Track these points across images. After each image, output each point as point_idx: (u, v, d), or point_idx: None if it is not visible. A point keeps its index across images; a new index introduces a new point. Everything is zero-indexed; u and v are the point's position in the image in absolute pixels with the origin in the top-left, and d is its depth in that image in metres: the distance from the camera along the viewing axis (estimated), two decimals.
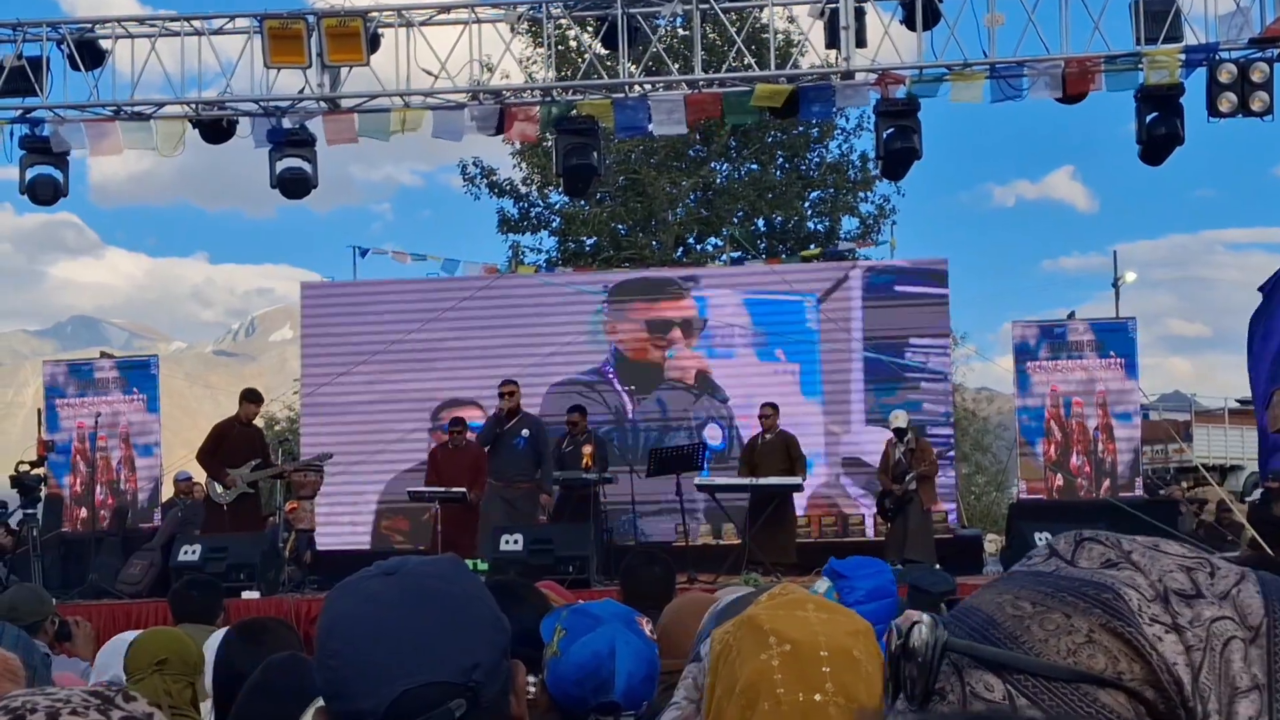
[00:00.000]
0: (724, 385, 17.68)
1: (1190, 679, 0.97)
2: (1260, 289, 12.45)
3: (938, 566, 12.48)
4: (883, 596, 3.66)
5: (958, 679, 1.02)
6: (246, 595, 12.09)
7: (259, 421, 15.29)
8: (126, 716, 1.35)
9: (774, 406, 14.97)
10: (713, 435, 17.54)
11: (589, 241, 30.60)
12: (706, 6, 13.94)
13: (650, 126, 14.23)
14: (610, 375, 17.83)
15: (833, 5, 13.55)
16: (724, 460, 16.96)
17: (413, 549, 16.10)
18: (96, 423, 16.67)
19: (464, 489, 13.97)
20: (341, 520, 17.67)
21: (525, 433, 14.04)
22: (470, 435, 14.76)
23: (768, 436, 14.81)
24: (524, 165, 30.50)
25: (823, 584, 3.70)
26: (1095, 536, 1.06)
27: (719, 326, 17.70)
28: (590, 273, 22.07)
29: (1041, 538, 12.54)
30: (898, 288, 17.42)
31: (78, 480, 17.11)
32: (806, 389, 17.45)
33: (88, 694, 1.36)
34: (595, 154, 14.07)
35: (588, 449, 14.65)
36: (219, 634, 4.72)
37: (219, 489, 14.06)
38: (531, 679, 2.79)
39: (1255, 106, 12.97)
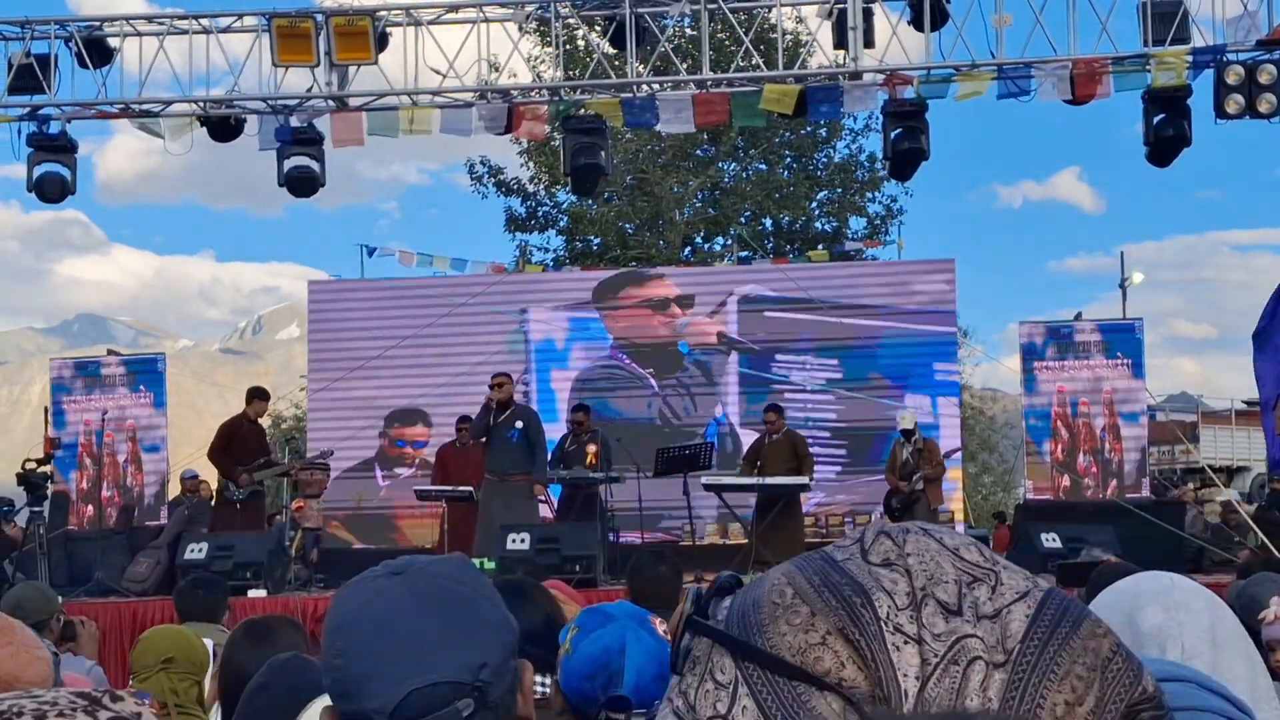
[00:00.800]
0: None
1: (916, 691, 0.95)
2: None
3: None
4: None
5: (711, 654, 1.02)
6: (253, 594, 12.08)
7: (264, 419, 15.33)
8: (114, 717, 1.35)
9: (777, 410, 14.97)
10: (717, 410, 17.75)
11: (596, 241, 30.63)
12: (715, 6, 13.93)
13: (658, 125, 14.23)
14: (624, 360, 17.93)
15: (841, 6, 13.54)
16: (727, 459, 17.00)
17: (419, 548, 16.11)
18: (103, 420, 16.68)
19: (471, 488, 13.96)
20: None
21: (519, 424, 13.90)
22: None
23: (775, 437, 14.81)
24: (531, 164, 30.54)
25: None
26: (891, 531, 1.02)
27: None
28: (594, 271, 22.11)
29: (1049, 538, 12.55)
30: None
31: (84, 478, 17.12)
32: None
33: (74, 695, 1.36)
34: (603, 153, 14.06)
35: (592, 448, 14.64)
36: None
37: (233, 487, 14.09)
38: (543, 679, 2.79)
39: (1262, 108, 12.94)
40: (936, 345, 18.01)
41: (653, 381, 17.85)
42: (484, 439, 14.02)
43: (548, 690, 2.80)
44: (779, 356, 17.84)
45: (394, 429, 18.06)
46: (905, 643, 0.96)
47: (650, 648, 2.70)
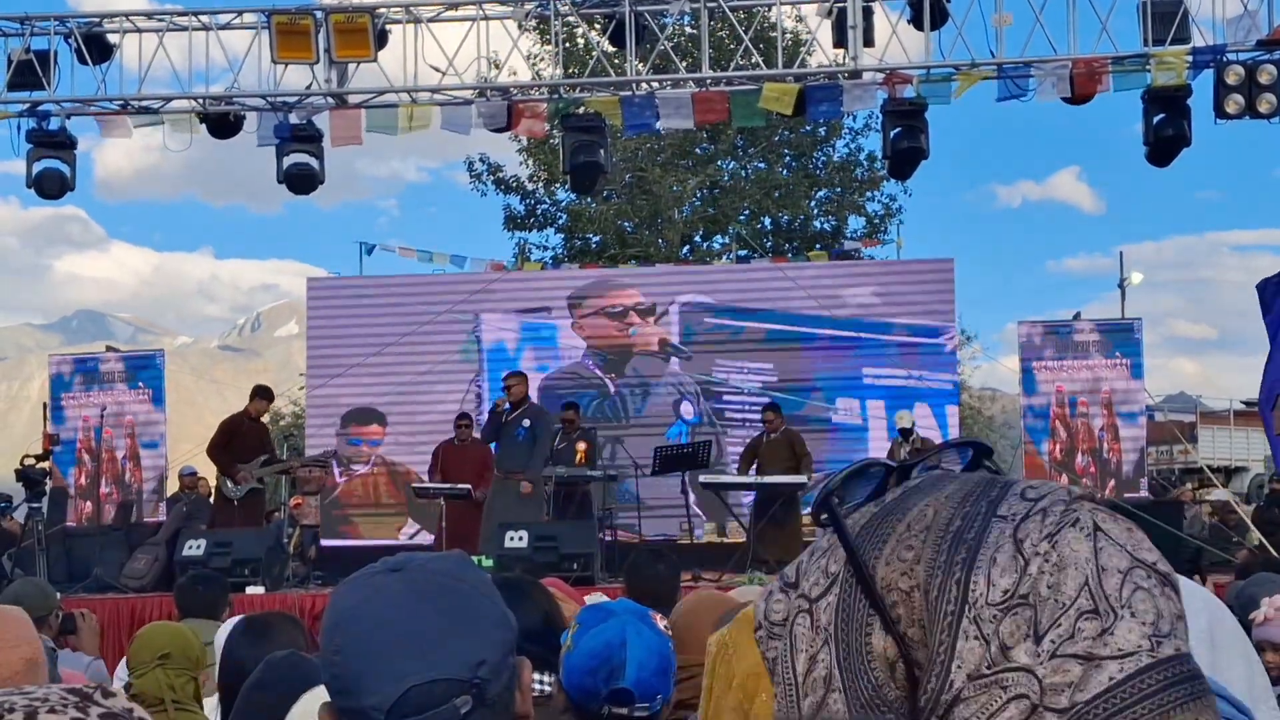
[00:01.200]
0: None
1: (959, 688, 0.96)
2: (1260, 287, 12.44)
3: None
4: None
5: (835, 542, 1.03)
6: (251, 590, 12.08)
7: (264, 416, 15.32)
8: (106, 713, 1.34)
9: (775, 409, 14.98)
10: (686, 411, 17.84)
11: (595, 239, 30.63)
12: (714, 5, 13.93)
13: (658, 124, 14.23)
14: (592, 367, 18.14)
15: (840, 4, 13.54)
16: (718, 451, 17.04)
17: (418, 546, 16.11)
18: (102, 417, 16.68)
19: (469, 485, 13.96)
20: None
21: (526, 423, 14.03)
22: (476, 433, 14.79)
23: (772, 436, 14.81)
24: (531, 162, 30.52)
25: None
26: (1066, 515, 0.97)
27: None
28: (596, 269, 22.15)
29: None
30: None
31: (83, 474, 17.12)
32: None
33: (66, 691, 1.35)
34: (602, 151, 14.05)
35: (581, 446, 14.67)
36: (229, 624, 4.72)
37: (230, 484, 14.07)
38: (541, 677, 2.79)
39: (1262, 108, 12.94)
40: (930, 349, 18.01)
41: (609, 383, 18.07)
42: (493, 441, 14.15)
43: (547, 688, 2.80)
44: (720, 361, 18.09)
45: (350, 428, 18.29)
46: (975, 638, 0.94)
47: (651, 642, 2.71)
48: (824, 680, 0.99)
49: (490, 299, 18.42)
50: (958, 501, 0.98)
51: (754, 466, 14.78)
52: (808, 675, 1.01)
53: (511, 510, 13.53)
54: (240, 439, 14.17)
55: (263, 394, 14.63)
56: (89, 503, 16.68)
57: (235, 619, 4.77)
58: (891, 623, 0.96)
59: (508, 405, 14.17)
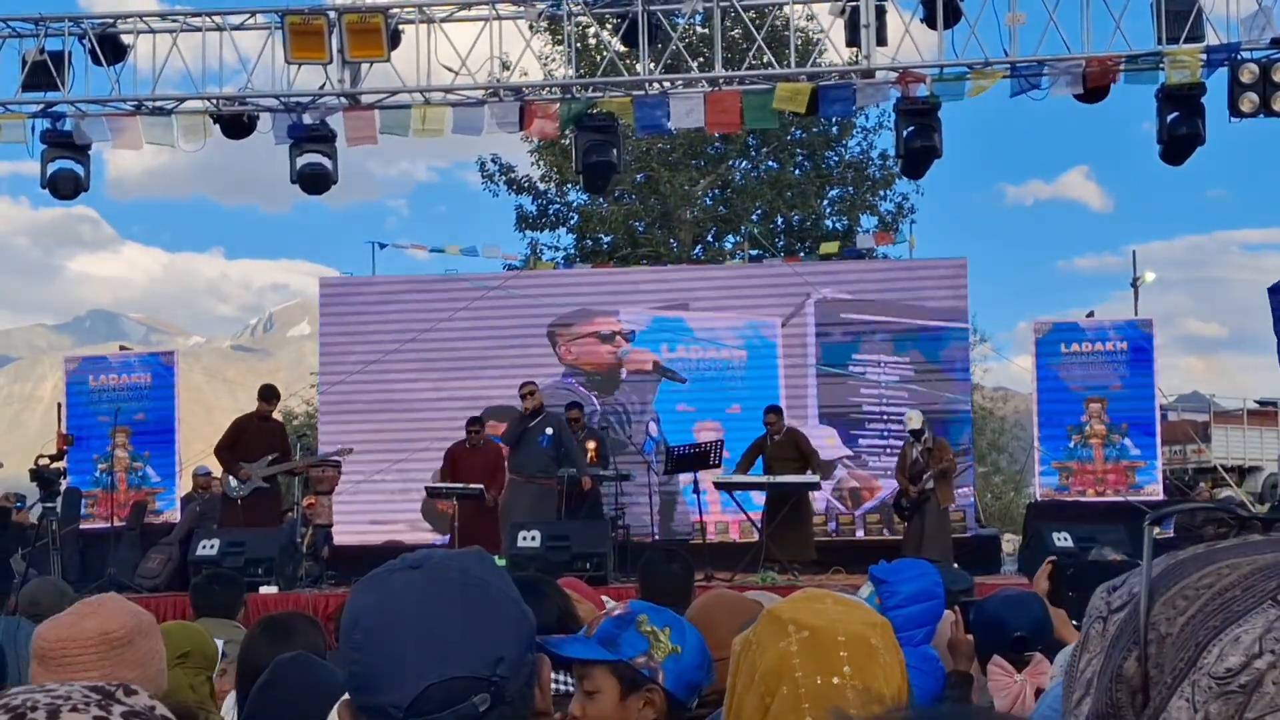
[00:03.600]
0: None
1: None
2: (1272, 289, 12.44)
3: (955, 566, 12.49)
4: (927, 599, 3.66)
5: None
6: (264, 590, 12.12)
7: (278, 416, 15.33)
8: (128, 710, 1.34)
9: (777, 411, 14.98)
10: (652, 429, 17.87)
11: (606, 239, 30.63)
12: (727, 4, 13.92)
13: (669, 124, 14.24)
14: (572, 383, 18.10)
15: (853, 4, 13.52)
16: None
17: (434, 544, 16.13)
18: (115, 417, 16.72)
19: (481, 486, 13.99)
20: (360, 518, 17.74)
21: (549, 430, 14.13)
22: (487, 435, 14.82)
23: (776, 438, 14.81)
24: (542, 162, 30.53)
25: (865, 589, 3.72)
26: None
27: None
28: (607, 269, 22.13)
29: (1060, 537, 12.53)
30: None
31: (96, 474, 17.16)
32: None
33: (88, 689, 1.35)
34: (615, 151, 14.05)
35: (591, 444, 14.73)
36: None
37: (233, 483, 14.09)
38: (558, 676, 2.79)
39: (1277, 106, 12.91)
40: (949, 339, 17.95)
41: (594, 400, 18.02)
42: (514, 444, 14.19)
43: (566, 687, 2.80)
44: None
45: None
46: (1187, 701, 0.97)
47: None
48: (1086, 683, 1.06)
49: (507, 300, 18.39)
50: (1250, 572, 1.02)
51: (754, 467, 14.78)
52: (1081, 673, 1.07)
53: (535, 511, 13.62)
54: (248, 438, 14.19)
55: (264, 395, 14.64)
56: (102, 503, 16.70)
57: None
58: (1145, 657, 1.01)
59: (526, 411, 14.24)
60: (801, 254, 26.22)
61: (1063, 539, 12.50)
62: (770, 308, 17.98)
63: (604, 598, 5.49)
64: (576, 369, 18.18)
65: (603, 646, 2.69)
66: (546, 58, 26.75)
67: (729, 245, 30.81)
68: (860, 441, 17.52)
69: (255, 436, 14.21)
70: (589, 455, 14.57)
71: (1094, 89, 13.25)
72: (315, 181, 14.21)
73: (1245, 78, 12.93)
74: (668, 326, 18.09)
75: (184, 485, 17.57)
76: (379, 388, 18.14)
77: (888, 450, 16.90)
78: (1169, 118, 13.31)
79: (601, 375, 18.21)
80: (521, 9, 14.30)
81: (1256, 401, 31.20)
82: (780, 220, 31.07)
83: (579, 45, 16.30)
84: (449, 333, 18.13)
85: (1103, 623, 1.07)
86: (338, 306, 18.79)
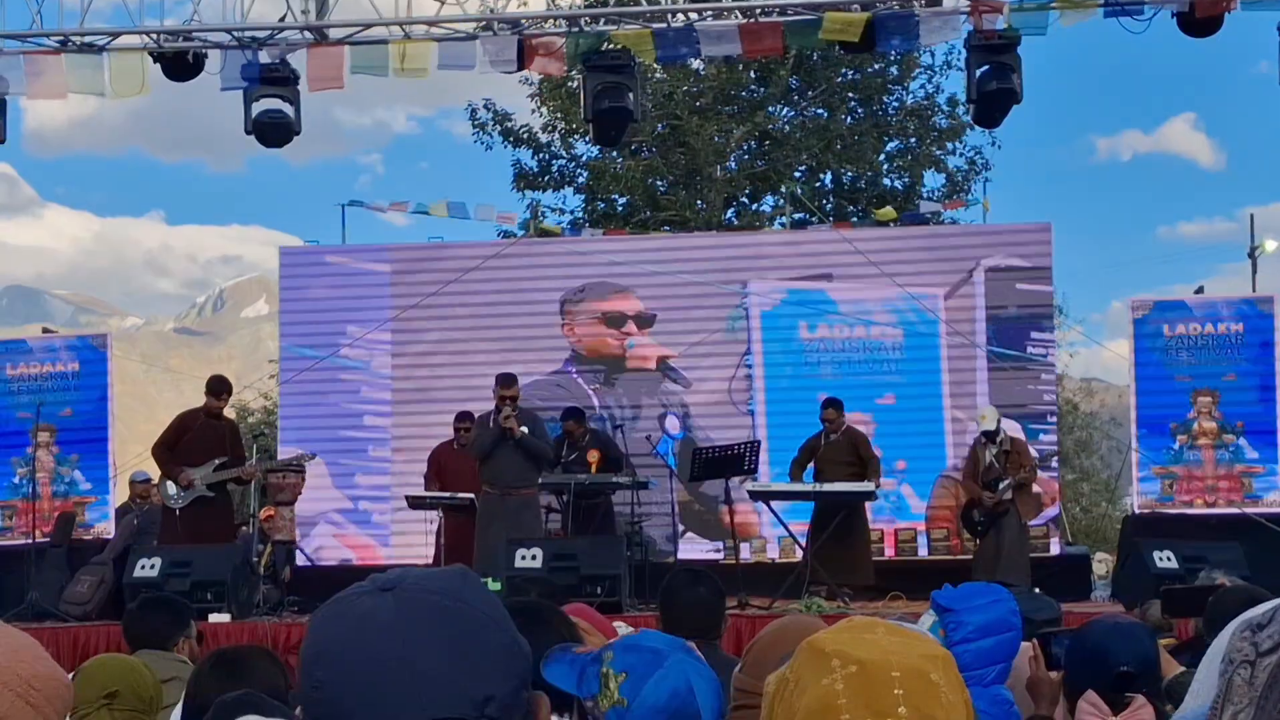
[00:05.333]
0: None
1: None
2: None
3: (1036, 591, 12.46)
4: (1001, 631, 3.63)
5: None
6: (214, 618, 12.14)
7: (229, 411, 15.31)
8: None
9: (837, 405, 14.91)
10: (671, 426, 17.80)
11: (621, 200, 30.57)
12: None
13: (700, 52, 14.16)
14: (573, 374, 18.08)
15: None
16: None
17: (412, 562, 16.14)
18: (37, 413, 16.73)
19: (471, 495, 13.99)
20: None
21: (524, 429, 13.83)
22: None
23: (832, 437, 14.78)
24: (545, 109, 30.47)
25: (927, 619, 3.69)
26: None
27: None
28: (622, 236, 22.08)
29: (1163, 557, 12.48)
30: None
31: (14, 480, 17.18)
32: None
33: None
34: (631, 95, 13.97)
35: (593, 454, 14.66)
36: None
37: (171, 489, 14.01)
38: (564, 719, 2.78)
39: None
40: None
41: (592, 396, 18.01)
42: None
43: None
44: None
45: None
46: None
47: (709, 677, 2.72)
48: None
49: (509, 270, 18.37)
50: None
51: (809, 472, 14.77)
52: None
53: (522, 528, 13.52)
54: (194, 438, 14.12)
55: (212, 387, 14.46)
56: (21, 514, 16.72)
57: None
58: None
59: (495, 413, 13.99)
60: (853, 219, 26.18)
61: (1165, 559, 12.46)
62: (930, 275, 17.93)
63: (618, 625, 5.48)
64: (578, 354, 18.20)
65: (577, 676, 2.66)
66: None
67: (767, 208, 30.78)
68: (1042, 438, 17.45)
69: (201, 436, 14.13)
70: (591, 468, 14.53)
71: (1204, 19, 13.14)
72: (274, 132, 14.19)
73: None
74: (808, 300, 18.02)
75: (119, 494, 17.58)
76: (350, 378, 18.15)
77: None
78: None
79: (601, 364, 18.22)
80: None
81: None
82: (829, 178, 31.01)
83: None
84: (435, 311, 18.13)
85: (1249, 668, 1.07)
86: (301, 281, 18.78)
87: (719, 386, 17.98)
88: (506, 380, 13.90)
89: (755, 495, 14.68)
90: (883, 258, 17.84)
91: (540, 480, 13.99)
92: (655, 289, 18.16)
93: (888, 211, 21.16)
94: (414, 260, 18.68)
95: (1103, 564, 17.99)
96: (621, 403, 18.09)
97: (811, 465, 14.80)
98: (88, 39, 14.39)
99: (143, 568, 12.84)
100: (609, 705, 2.63)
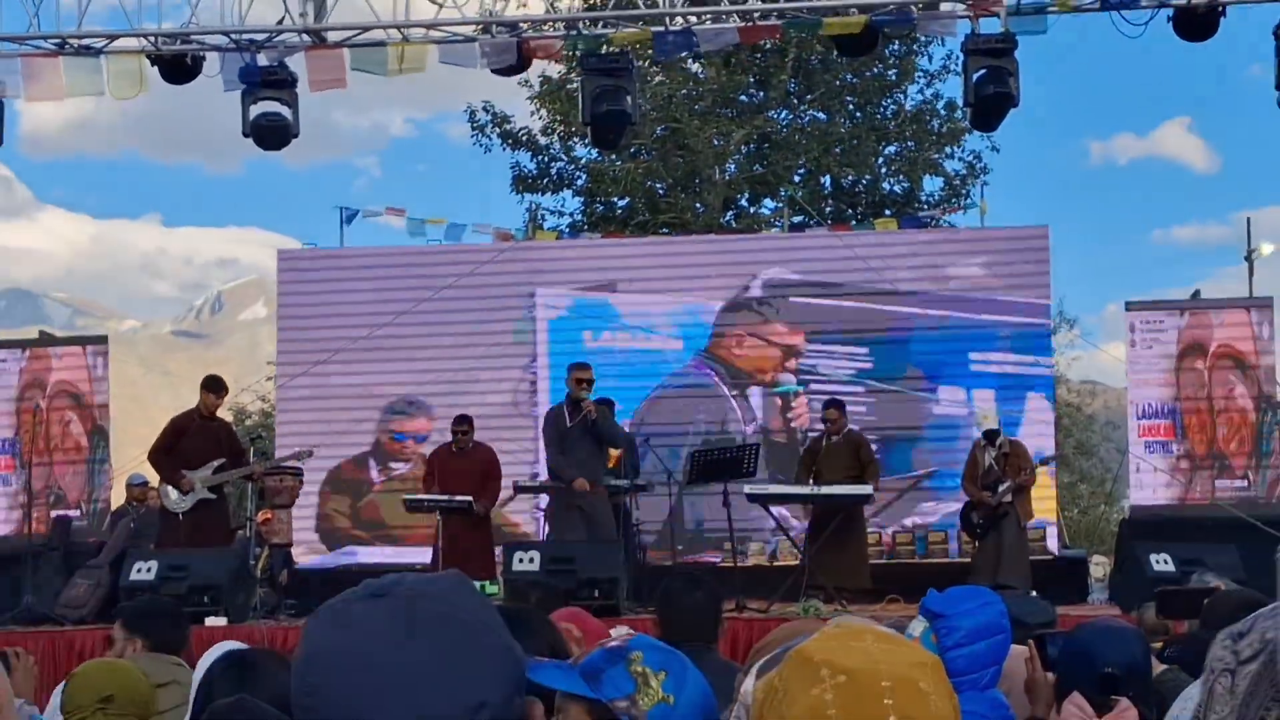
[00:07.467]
0: None
1: None
2: None
3: (1034, 593, 12.45)
4: (992, 634, 3.64)
5: None
6: (211, 622, 12.11)
7: (226, 414, 15.27)
8: None
9: (839, 407, 14.92)
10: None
11: (620, 203, 30.56)
12: None
13: (697, 49, 14.17)
14: (716, 380, 18.04)
15: None
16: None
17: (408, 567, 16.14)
18: (34, 415, 16.71)
19: (470, 498, 13.96)
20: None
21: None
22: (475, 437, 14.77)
23: (834, 439, 14.77)
24: (544, 112, 30.44)
25: (918, 625, 3.69)
26: None
27: None
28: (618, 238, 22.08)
29: (1159, 559, 12.47)
30: None
31: (12, 483, 17.16)
32: None
33: None
34: (629, 98, 13.96)
35: (614, 450, 14.65)
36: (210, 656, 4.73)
37: (173, 494, 14.03)
38: None
39: None
40: (1026, 334, 17.90)
41: (736, 409, 17.99)
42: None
43: None
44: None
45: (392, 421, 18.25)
46: None
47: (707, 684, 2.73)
48: None
49: (499, 273, 18.37)
50: None
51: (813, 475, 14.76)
52: None
53: (585, 530, 13.55)
54: (190, 440, 14.12)
55: (211, 387, 14.44)
56: (18, 517, 16.69)
57: (214, 652, 4.78)
58: None
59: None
60: (852, 222, 26.15)
61: (1162, 561, 12.44)
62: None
63: (620, 630, 5.48)
64: (732, 366, 18.26)
65: (585, 679, 2.64)
66: None
67: (767, 211, 30.75)
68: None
69: (198, 438, 14.13)
70: (610, 462, 14.51)
71: (1199, 21, 13.10)
72: (272, 135, 14.17)
73: None
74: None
75: (116, 497, 17.56)
76: (348, 380, 18.14)
77: None
78: None
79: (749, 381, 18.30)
80: None
81: None
82: (828, 181, 31.00)
83: None
84: (432, 315, 18.12)
85: (1230, 676, 1.08)
86: (299, 284, 18.78)
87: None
88: (582, 365, 14.11)
89: (754, 498, 14.65)
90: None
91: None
92: None
93: (889, 224, 21.25)
94: (414, 261, 18.70)
95: (1100, 566, 17.97)
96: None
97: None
98: (85, 41, 14.38)
99: (139, 571, 12.81)
100: (652, 703, 2.61)
